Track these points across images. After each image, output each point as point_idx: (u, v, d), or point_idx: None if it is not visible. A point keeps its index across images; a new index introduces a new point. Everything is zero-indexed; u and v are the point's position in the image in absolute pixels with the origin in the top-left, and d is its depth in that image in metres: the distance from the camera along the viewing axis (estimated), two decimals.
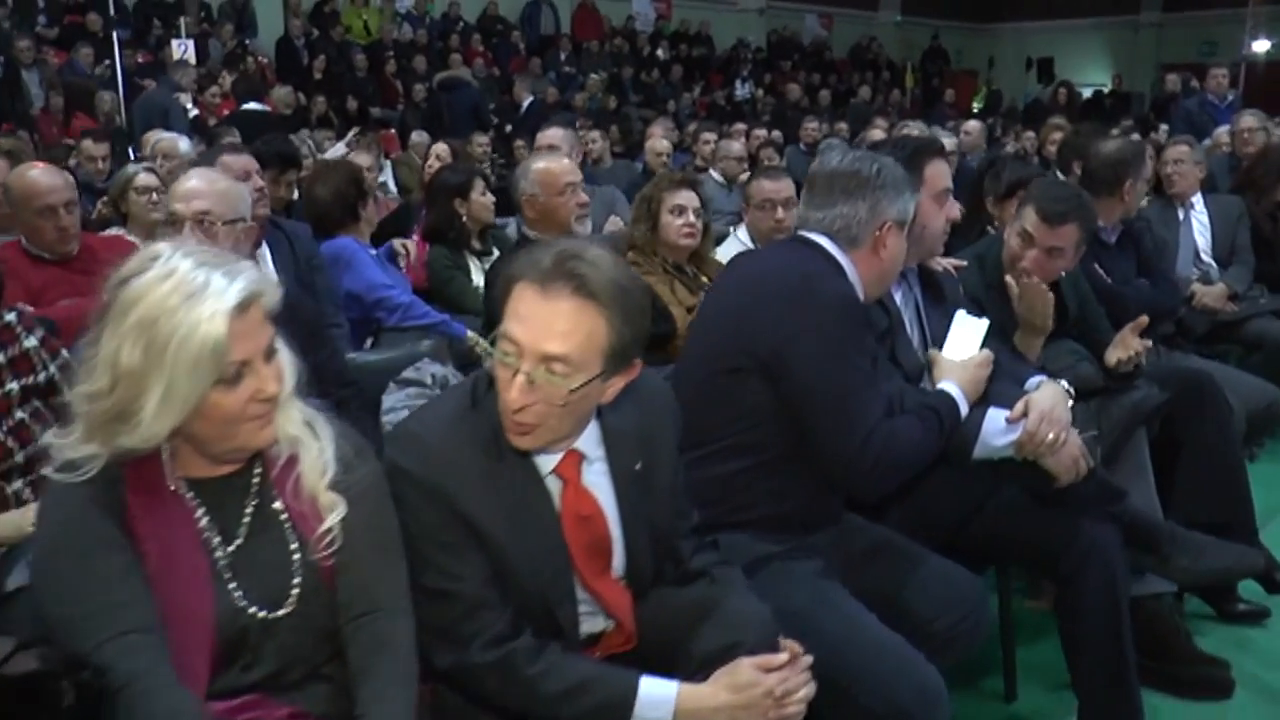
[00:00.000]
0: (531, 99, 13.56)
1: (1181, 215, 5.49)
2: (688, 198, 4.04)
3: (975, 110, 19.19)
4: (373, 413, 3.26)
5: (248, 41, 14.91)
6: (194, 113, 10.24)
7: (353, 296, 4.32)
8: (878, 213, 2.45)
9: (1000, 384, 2.66)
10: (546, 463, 1.96)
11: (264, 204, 4.07)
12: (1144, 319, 3.42)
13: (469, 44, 16.44)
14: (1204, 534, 2.98)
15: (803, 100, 16.43)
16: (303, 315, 3.07)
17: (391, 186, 11.47)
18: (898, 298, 2.85)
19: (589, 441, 2.00)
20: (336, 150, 10.83)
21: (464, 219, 4.76)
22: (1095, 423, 3.03)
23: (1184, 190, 5.45)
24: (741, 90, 17.05)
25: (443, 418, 1.95)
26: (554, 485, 1.97)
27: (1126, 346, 3.35)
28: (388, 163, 11.60)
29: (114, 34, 12.09)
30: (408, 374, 3.47)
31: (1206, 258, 5.44)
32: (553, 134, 5.55)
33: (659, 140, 8.06)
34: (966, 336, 2.66)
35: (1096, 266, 4.00)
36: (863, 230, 2.45)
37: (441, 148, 7.29)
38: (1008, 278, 3.27)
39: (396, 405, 3.41)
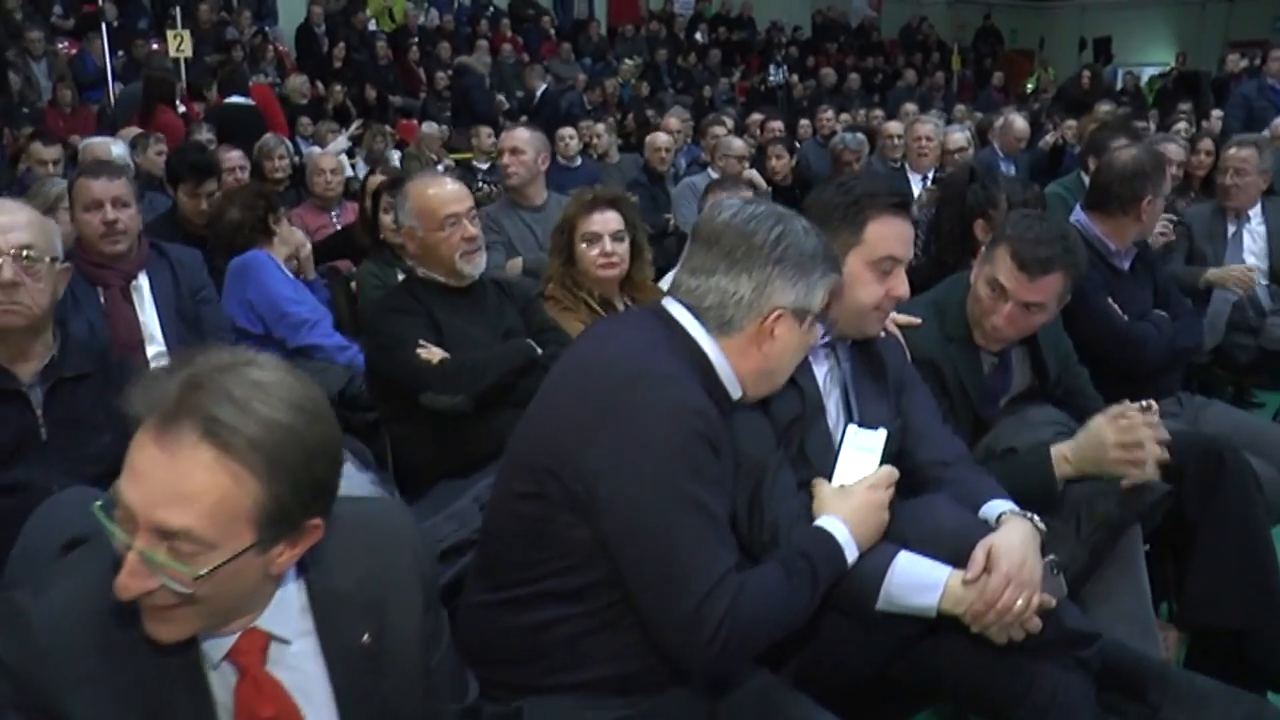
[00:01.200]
0: (545, 87, 12.96)
1: (1233, 228, 4.80)
2: (603, 222, 3.44)
3: (1029, 93, 18.33)
4: None
5: (267, 29, 14.53)
6: (182, 109, 9.77)
7: (254, 310, 3.94)
8: (766, 296, 1.86)
9: (931, 506, 2.04)
10: (216, 648, 1.42)
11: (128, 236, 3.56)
12: (1150, 408, 2.82)
13: (498, 29, 15.91)
14: (1213, 672, 2.36)
15: (840, 85, 15.66)
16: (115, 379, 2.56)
17: None
18: (819, 374, 2.24)
19: (283, 614, 1.45)
20: (338, 144, 10.41)
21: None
22: (1074, 523, 2.38)
23: (1242, 203, 4.76)
24: (775, 75, 16.29)
25: (73, 584, 1.40)
26: (226, 677, 1.43)
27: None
28: (395, 155, 11.17)
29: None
30: None
31: (1261, 278, 4.74)
32: (517, 135, 4.95)
33: (659, 134, 7.43)
34: (860, 457, 2.04)
35: (1110, 301, 3.35)
36: (741, 314, 1.86)
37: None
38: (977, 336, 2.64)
39: None
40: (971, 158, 6.57)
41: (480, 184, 8.74)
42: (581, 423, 1.75)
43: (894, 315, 2.47)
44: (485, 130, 9.53)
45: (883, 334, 2.37)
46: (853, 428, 2.11)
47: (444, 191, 3.14)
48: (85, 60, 12.50)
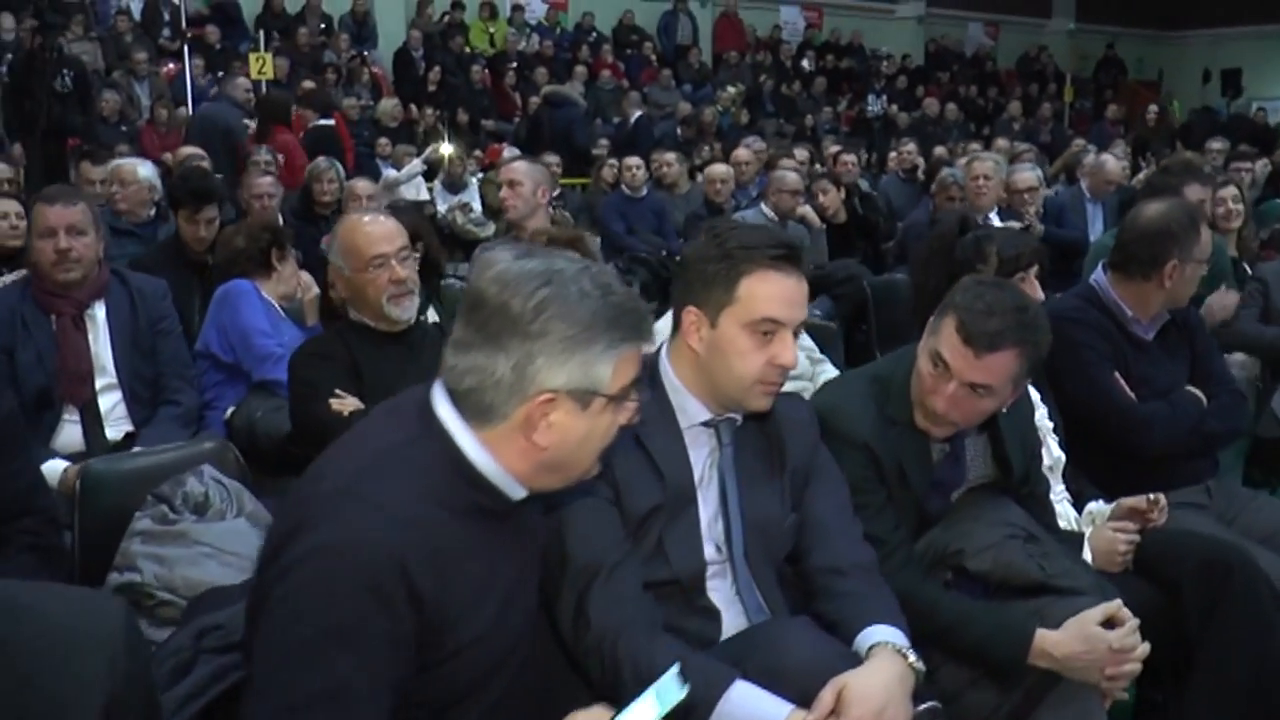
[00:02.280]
0: (640, 114, 12.74)
1: None
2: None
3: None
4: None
5: (366, 53, 14.67)
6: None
7: (226, 337, 3.81)
8: (528, 377, 1.53)
9: (785, 630, 1.71)
10: None
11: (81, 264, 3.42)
12: (1157, 503, 2.43)
13: (599, 55, 15.81)
14: None
15: (942, 116, 15.11)
16: None
17: (477, 206, 10.90)
18: (697, 457, 1.92)
19: None
20: (412, 168, 10.36)
21: None
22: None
23: None
24: (874, 105, 15.80)
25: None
26: None
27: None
28: (473, 181, 11.09)
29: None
30: (164, 488, 2.74)
31: None
32: (515, 167, 4.70)
33: (718, 165, 7.14)
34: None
35: (1117, 376, 2.94)
36: (501, 399, 1.55)
37: None
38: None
39: (147, 531, 2.68)
40: (1042, 198, 6.13)
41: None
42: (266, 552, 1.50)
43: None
44: (549, 158, 9.33)
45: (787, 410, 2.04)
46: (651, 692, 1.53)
47: (373, 230, 2.89)
48: (183, 81, 12.74)
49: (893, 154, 10.42)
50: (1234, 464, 4.38)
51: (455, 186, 10.85)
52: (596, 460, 1.63)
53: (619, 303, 1.58)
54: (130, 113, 12.02)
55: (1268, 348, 4.28)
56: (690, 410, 1.95)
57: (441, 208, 10.61)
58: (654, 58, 16.32)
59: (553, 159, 9.50)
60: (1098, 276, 3.10)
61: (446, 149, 10.41)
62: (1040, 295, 2.89)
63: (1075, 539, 2.54)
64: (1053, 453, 2.75)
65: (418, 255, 3.51)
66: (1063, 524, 2.70)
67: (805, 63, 17.58)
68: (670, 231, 7.86)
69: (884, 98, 15.97)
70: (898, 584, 2.02)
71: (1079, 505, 2.79)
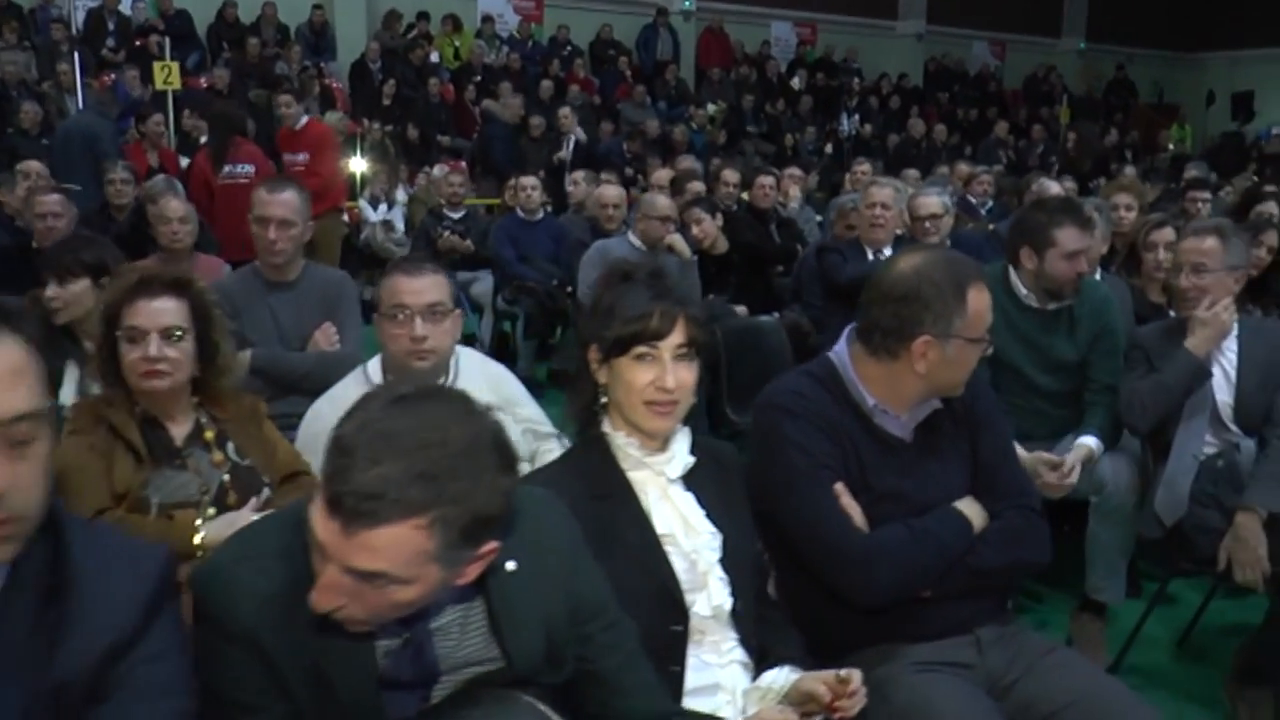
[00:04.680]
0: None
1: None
2: (151, 313, 2.40)
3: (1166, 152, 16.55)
4: None
5: (323, 65, 14.03)
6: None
7: None
8: None
9: None
10: None
11: None
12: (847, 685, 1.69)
13: (570, 69, 15.09)
14: None
15: (928, 137, 14.26)
16: None
17: (399, 226, 10.21)
18: None
19: None
20: None
21: None
22: None
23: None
24: (845, 125, 14.96)
25: None
26: None
27: None
28: (400, 200, 10.40)
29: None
30: None
31: (1229, 421, 3.39)
32: (284, 199, 3.84)
33: (608, 189, 6.35)
34: None
35: (841, 490, 2.13)
36: None
37: None
38: None
39: None
40: (948, 228, 5.29)
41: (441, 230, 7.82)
42: None
43: None
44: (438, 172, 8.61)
45: None
46: None
47: None
48: (119, 91, 12.13)
49: (848, 176, 9.61)
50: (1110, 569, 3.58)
51: (380, 204, 10.18)
52: None
53: None
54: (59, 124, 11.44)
55: (1179, 388, 3.40)
56: None
57: (371, 222, 9.97)
58: (629, 73, 15.58)
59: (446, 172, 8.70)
60: (839, 348, 2.28)
61: (357, 165, 9.70)
62: None
63: None
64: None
65: None
66: (725, 702, 1.93)
67: (795, 81, 16.78)
68: (567, 259, 7.08)
69: (856, 117, 15.11)
70: None
71: (760, 667, 2.02)
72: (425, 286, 2.80)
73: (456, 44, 15.04)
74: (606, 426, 2.06)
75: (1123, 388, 3.49)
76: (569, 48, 15.68)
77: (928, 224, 5.17)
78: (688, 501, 2.05)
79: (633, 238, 5.59)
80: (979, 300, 2.16)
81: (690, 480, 2.08)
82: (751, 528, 2.17)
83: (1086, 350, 3.67)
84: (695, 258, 5.58)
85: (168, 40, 12.69)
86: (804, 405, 2.18)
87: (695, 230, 5.58)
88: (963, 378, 2.21)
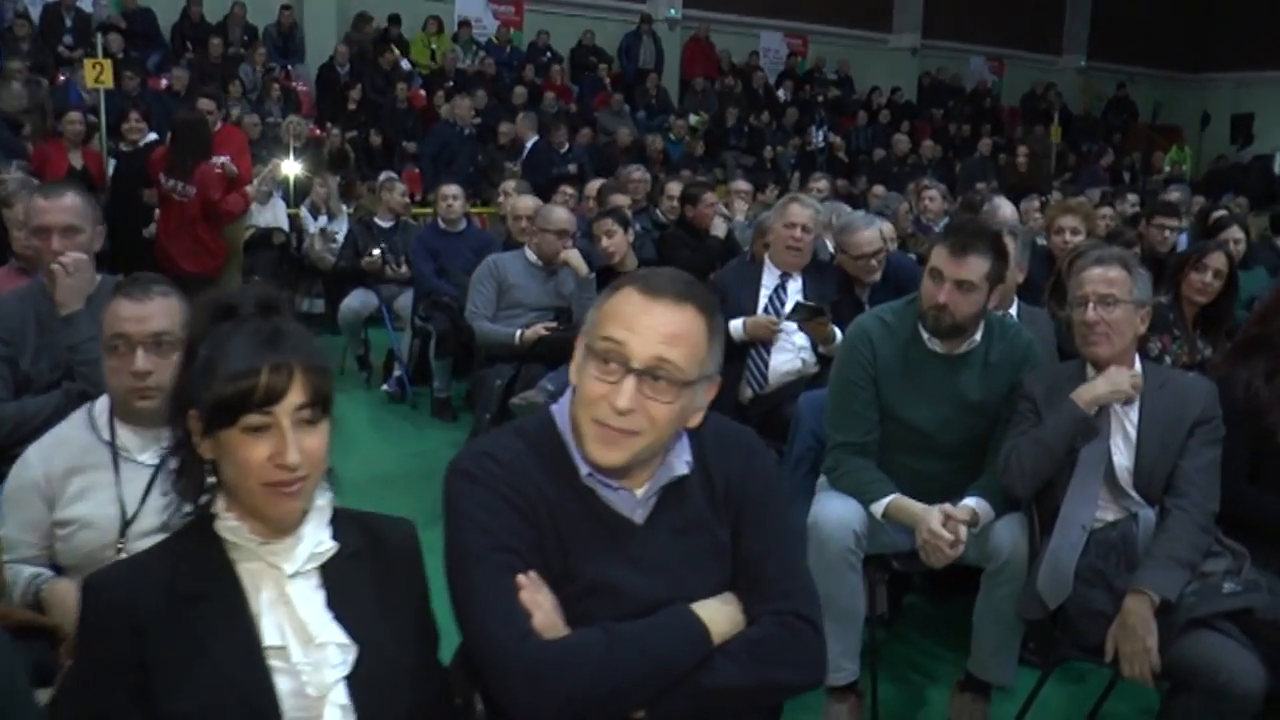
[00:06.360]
0: (536, 139, 11.50)
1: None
2: None
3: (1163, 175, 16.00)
4: None
5: (290, 67, 13.63)
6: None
7: None
8: None
9: None
10: None
11: None
12: None
13: (547, 75, 14.64)
14: None
15: (914, 153, 13.77)
16: None
17: (340, 237, 9.74)
18: None
19: None
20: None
21: None
22: None
23: (1104, 355, 2.94)
24: (816, 138, 14.46)
25: None
26: None
27: None
28: (344, 209, 9.93)
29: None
30: None
31: (1129, 487, 2.91)
32: (67, 202, 3.36)
33: (522, 199, 5.89)
34: None
35: (532, 581, 1.67)
36: None
37: None
38: None
39: None
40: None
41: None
42: None
43: None
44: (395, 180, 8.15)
45: None
46: None
47: None
48: (70, 89, 11.76)
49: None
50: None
51: (318, 211, 9.70)
52: None
53: None
54: None
55: (1060, 446, 2.92)
56: None
57: (311, 232, 9.51)
58: (609, 81, 15.14)
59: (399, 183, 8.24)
60: (562, 401, 1.81)
61: (290, 169, 9.26)
62: None
63: None
64: None
65: None
66: None
67: (782, 92, 16.31)
68: None
69: (825, 129, 14.60)
70: None
71: None
72: (151, 313, 2.45)
73: (434, 46, 14.60)
74: (218, 506, 1.60)
75: (1005, 445, 3.01)
76: (548, 54, 15.25)
77: (873, 261, 4.70)
78: (314, 603, 1.59)
79: (529, 253, 5.13)
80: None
81: (329, 574, 1.62)
82: (427, 633, 1.71)
83: (1000, 400, 3.18)
84: (593, 276, 5.11)
85: (123, 39, 12.35)
86: (494, 472, 1.72)
87: (605, 243, 5.12)
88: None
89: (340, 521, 1.67)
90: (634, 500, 1.77)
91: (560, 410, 1.81)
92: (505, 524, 1.69)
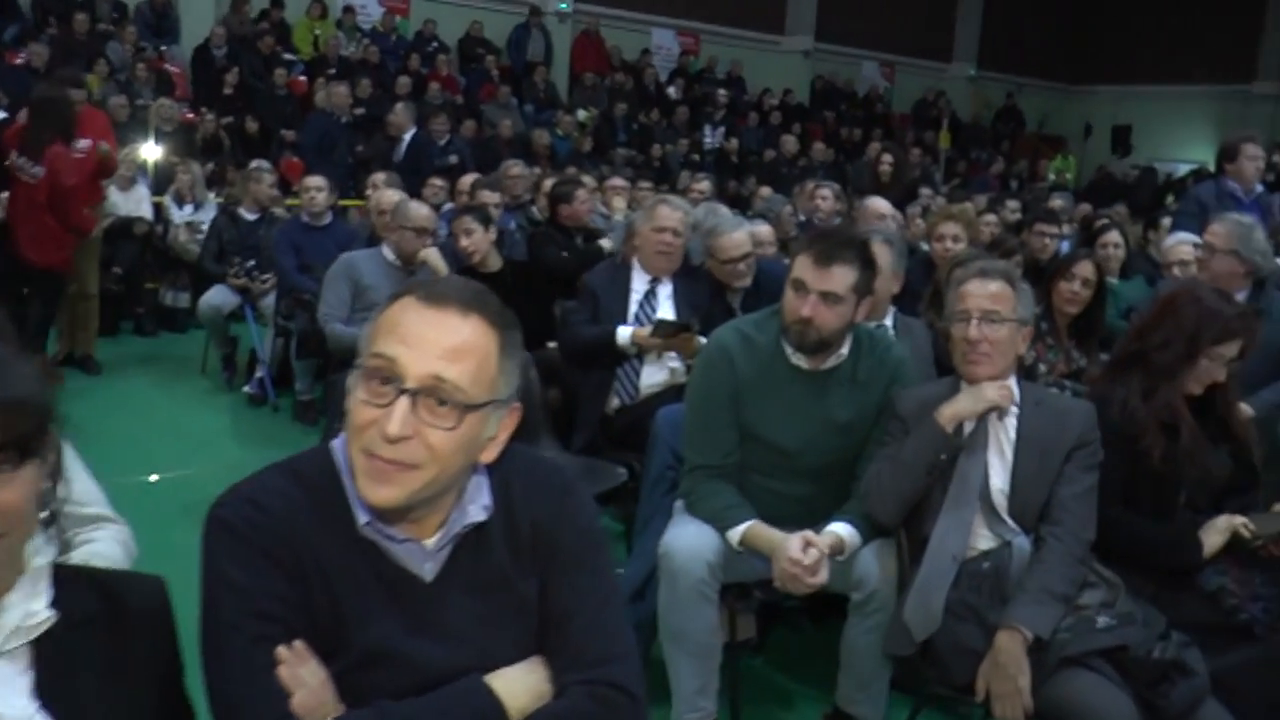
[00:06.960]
0: (415, 131, 11.13)
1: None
2: None
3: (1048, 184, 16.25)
4: None
5: (163, 48, 13.00)
6: None
7: None
8: None
9: None
10: None
11: None
12: None
13: (433, 65, 14.24)
14: None
15: (803, 155, 13.71)
16: None
17: (205, 227, 9.25)
18: None
19: None
20: None
21: None
22: None
23: (982, 373, 2.77)
24: (710, 138, 14.34)
25: None
26: None
27: None
28: (212, 198, 9.45)
29: None
30: None
31: (1004, 513, 2.74)
32: None
33: (386, 193, 5.56)
34: None
35: (295, 654, 1.40)
36: None
37: None
38: None
39: None
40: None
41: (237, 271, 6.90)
42: None
43: None
44: (265, 168, 7.76)
45: None
46: None
47: None
48: None
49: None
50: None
51: (184, 199, 9.20)
52: None
53: None
54: None
55: (920, 466, 2.75)
56: None
57: (176, 223, 9.01)
58: (496, 73, 14.79)
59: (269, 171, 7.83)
60: (342, 439, 1.55)
61: (150, 152, 8.76)
62: None
63: None
64: None
65: None
66: None
67: (672, 90, 16.14)
68: None
69: (721, 130, 14.49)
70: None
71: None
72: None
73: (317, 31, 14.09)
74: None
75: (871, 467, 2.82)
76: (435, 43, 14.84)
77: (741, 266, 4.50)
78: (12, 691, 1.29)
79: (386, 251, 4.83)
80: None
81: (43, 651, 1.32)
82: (175, 715, 1.43)
83: (869, 419, 2.98)
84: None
85: None
86: (257, 523, 1.44)
87: (464, 242, 4.81)
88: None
89: (66, 584, 1.37)
90: (423, 553, 1.51)
91: (341, 446, 1.54)
92: (266, 586, 1.42)
